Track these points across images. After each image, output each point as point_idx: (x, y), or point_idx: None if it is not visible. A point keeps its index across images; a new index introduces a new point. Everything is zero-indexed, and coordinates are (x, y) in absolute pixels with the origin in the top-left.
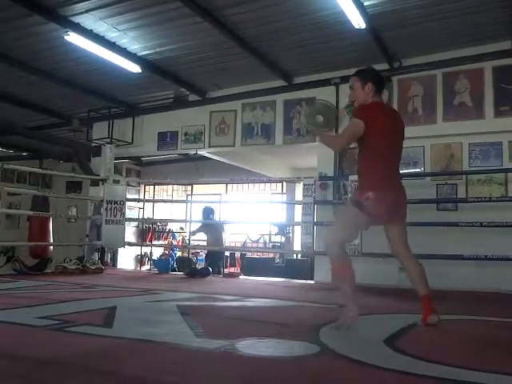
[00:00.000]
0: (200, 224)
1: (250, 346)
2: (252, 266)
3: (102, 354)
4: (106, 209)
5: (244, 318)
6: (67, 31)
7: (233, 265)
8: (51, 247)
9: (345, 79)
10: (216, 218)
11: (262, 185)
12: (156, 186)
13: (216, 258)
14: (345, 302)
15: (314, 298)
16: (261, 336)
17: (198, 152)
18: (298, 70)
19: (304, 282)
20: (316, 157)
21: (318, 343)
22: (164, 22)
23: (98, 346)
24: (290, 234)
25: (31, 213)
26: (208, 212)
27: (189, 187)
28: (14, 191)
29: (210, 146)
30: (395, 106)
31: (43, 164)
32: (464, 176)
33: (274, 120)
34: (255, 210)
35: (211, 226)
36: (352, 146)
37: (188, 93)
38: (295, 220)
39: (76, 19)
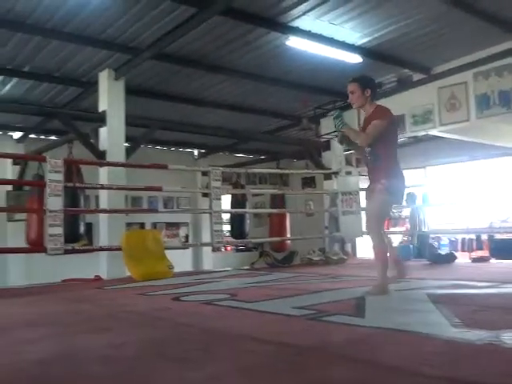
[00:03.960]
0: None
1: None
2: (503, 249)
3: (359, 343)
4: (342, 200)
5: (505, 307)
6: (287, 37)
7: (479, 248)
8: (289, 241)
9: None
10: None
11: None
12: None
13: None
14: (379, 277)
15: None
16: None
17: (429, 133)
18: None
19: None
20: None
21: None
22: (379, 6)
23: (354, 335)
24: None
25: (274, 210)
26: None
27: (422, 170)
28: (257, 192)
29: (441, 125)
30: None
31: (279, 164)
32: None
33: None
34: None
35: None
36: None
37: (411, 73)
38: None
39: (294, 23)
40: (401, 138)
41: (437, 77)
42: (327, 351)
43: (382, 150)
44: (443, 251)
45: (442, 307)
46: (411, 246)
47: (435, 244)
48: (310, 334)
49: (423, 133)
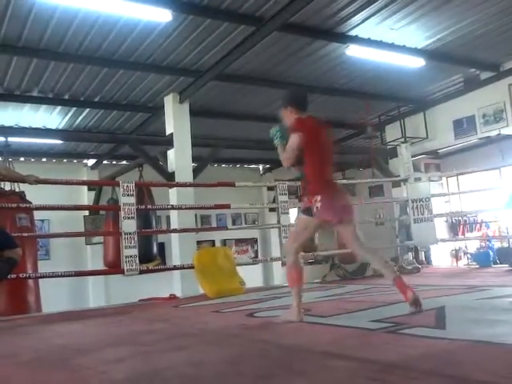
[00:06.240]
0: None
1: None
2: None
3: (442, 357)
4: (412, 208)
5: None
6: (347, 46)
7: None
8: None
9: None
10: None
11: None
12: (459, 177)
13: None
14: (293, 302)
15: None
16: None
17: (501, 132)
18: None
19: None
20: None
21: None
22: (440, 7)
23: (436, 348)
24: None
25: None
26: None
27: (496, 172)
28: None
29: None
30: None
31: (345, 174)
32: None
33: None
34: None
35: None
36: None
37: (478, 72)
38: None
39: (353, 32)
40: (472, 140)
41: (507, 73)
42: (410, 366)
43: (304, 165)
44: None
45: None
46: (490, 252)
47: None
48: (390, 348)
49: (496, 132)
